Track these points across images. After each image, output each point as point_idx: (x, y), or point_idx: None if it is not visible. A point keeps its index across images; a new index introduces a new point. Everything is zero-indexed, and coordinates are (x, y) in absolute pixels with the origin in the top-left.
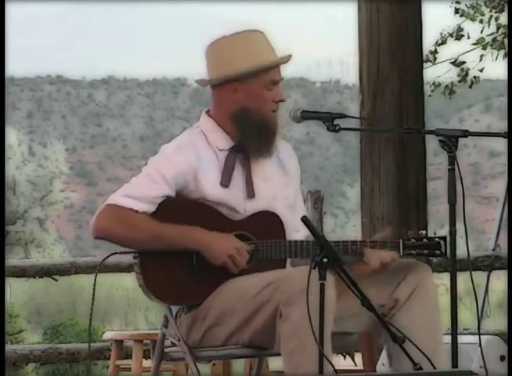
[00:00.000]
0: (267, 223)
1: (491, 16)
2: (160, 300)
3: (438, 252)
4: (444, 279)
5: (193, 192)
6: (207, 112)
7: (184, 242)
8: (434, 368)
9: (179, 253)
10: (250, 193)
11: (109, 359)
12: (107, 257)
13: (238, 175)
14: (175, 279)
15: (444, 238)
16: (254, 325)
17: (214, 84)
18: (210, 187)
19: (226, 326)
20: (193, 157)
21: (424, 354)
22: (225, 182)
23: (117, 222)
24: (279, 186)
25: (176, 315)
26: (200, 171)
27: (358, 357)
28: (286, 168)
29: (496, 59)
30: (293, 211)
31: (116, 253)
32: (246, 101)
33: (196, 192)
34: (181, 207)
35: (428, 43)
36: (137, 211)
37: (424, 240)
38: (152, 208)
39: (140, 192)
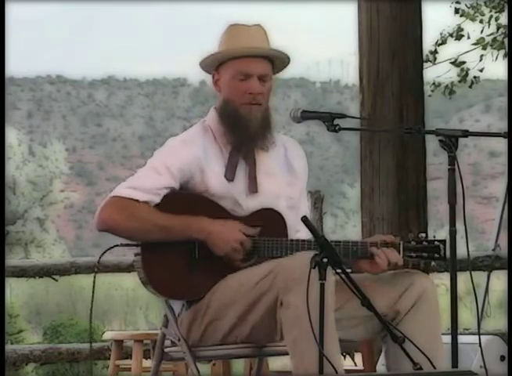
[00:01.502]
0: (269, 221)
1: (491, 16)
2: (161, 294)
3: (437, 256)
4: (444, 279)
5: (198, 184)
6: (215, 107)
7: (188, 232)
8: (434, 368)
9: (180, 247)
10: (253, 187)
11: (109, 359)
12: (108, 249)
13: (242, 170)
14: (176, 273)
15: (443, 241)
16: (254, 316)
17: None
18: (215, 180)
19: (226, 319)
20: (199, 150)
21: (424, 354)
22: (229, 175)
23: (121, 214)
24: (283, 185)
25: (178, 314)
26: (206, 164)
27: (358, 357)
28: (294, 168)
29: (496, 59)
30: (296, 211)
31: (117, 245)
32: (224, 92)
33: (201, 184)
34: (184, 201)
35: (428, 43)
36: (140, 202)
37: (424, 242)
38: (156, 199)
39: (144, 183)
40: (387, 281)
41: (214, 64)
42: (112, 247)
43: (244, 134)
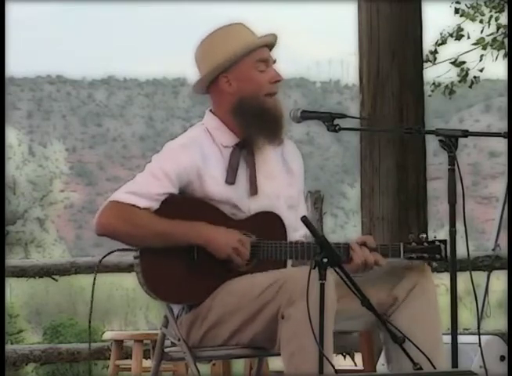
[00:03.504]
0: (268, 224)
1: (491, 16)
2: (160, 299)
3: (438, 256)
4: (444, 279)
5: (197, 190)
6: (211, 110)
7: (187, 237)
8: (434, 368)
9: (180, 251)
10: (254, 190)
11: (109, 359)
12: (107, 254)
13: (242, 173)
14: (176, 278)
15: (444, 241)
16: (255, 325)
17: (208, 85)
18: (214, 185)
19: (227, 325)
20: (198, 155)
21: (424, 354)
22: (231, 179)
23: (119, 219)
24: (282, 185)
25: (177, 315)
26: (205, 169)
27: (358, 357)
28: (291, 168)
29: (496, 59)
30: (295, 210)
31: (116, 250)
32: (242, 90)
33: (200, 190)
34: (183, 205)
35: (428, 43)
36: (140, 208)
37: (425, 243)
38: (155, 205)
39: (143, 189)
40: (384, 270)
41: (228, 64)
42: (111, 252)
43: (276, 124)
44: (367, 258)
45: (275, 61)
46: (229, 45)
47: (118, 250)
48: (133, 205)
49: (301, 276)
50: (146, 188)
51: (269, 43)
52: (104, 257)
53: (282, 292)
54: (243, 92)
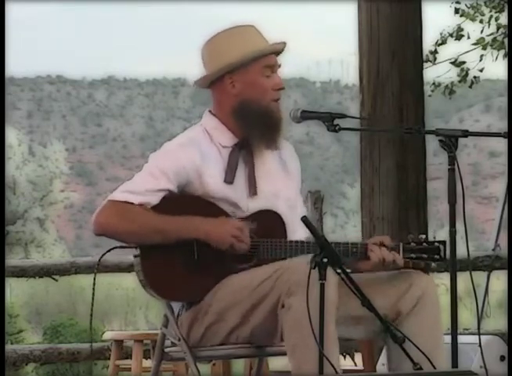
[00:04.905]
0: (268, 222)
1: (491, 16)
2: (160, 296)
3: (437, 257)
4: (444, 279)
5: (197, 188)
6: (210, 111)
7: (186, 233)
8: (434, 368)
9: (180, 249)
10: (253, 190)
11: (109, 359)
12: (107, 252)
13: (241, 172)
14: (176, 275)
15: (443, 242)
16: (255, 318)
17: (212, 82)
18: (214, 184)
19: (228, 320)
20: (196, 155)
21: (424, 354)
22: (229, 179)
23: (118, 217)
24: (281, 186)
25: (178, 314)
26: (204, 169)
27: (358, 357)
28: (288, 169)
29: (496, 59)
30: (293, 211)
31: (116, 247)
32: (246, 93)
33: (200, 189)
34: (183, 203)
35: (428, 43)
36: (137, 205)
37: (424, 244)
38: (152, 201)
39: (140, 187)
40: (387, 282)
41: (236, 66)
42: (111, 250)
43: (275, 130)
44: (385, 256)
45: (279, 66)
46: (240, 47)
47: (118, 247)
48: (129, 203)
49: (298, 266)
50: (142, 185)
51: (279, 50)
52: (104, 254)
53: (280, 282)
54: (245, 95)
